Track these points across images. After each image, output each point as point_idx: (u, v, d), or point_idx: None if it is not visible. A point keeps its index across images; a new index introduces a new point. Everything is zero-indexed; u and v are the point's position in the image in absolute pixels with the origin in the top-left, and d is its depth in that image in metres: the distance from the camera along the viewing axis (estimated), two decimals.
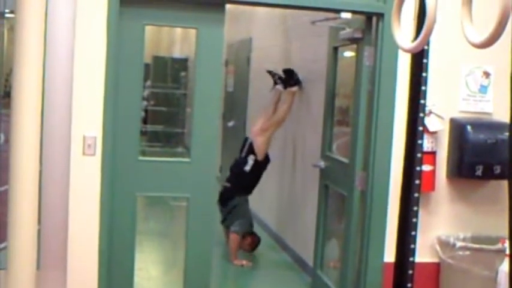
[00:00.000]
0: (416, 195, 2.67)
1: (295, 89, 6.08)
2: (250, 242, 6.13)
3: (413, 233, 2.67)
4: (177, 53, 13.33)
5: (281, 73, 6.21)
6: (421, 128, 2.57)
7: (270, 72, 6.35)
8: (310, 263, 5.32)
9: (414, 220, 2.68)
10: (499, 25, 1.62)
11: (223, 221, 6.14)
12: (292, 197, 6.49)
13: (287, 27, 6.77)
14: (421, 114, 2.55)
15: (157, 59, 13.09)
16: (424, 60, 2.31)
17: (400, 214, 2.51)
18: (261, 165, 6.12)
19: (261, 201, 7.13)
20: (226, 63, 9.09)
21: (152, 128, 11.85)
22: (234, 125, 8.49)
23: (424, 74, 2.37)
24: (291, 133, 6.46)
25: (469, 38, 1.77)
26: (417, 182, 2.66)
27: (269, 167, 6.28)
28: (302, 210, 6.05)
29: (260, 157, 6.05)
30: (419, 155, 2.63)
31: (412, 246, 2.68)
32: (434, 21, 1.96)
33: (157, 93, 12.43)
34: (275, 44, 7.15)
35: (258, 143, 6.05)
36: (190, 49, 10.87)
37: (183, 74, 12.61)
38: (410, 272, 2.55)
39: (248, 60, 8.14)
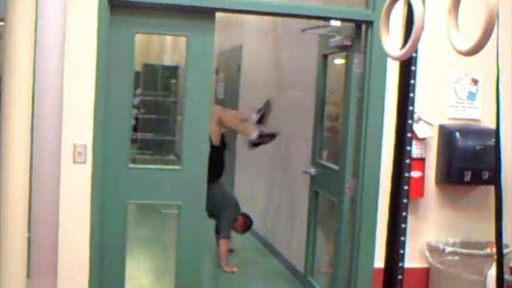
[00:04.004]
0: (405, 200, 2.69)
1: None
2: (242, 223, 6.11)
3: (402, 238, 2.69)
4: (167, 61, 13.34)
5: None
6: (409, 135, 2.59)
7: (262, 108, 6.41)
8: (301, 269, 5.33)
9: (403, 226, 2.70)
10: (484, 33, 1.64)
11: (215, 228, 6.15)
12: (282, 203, 6.51)
13: (277, 35, 6.80)
14: (410, 121, 2.57)
15: (147, 66, 13.08)
16: (413, 68, 2.33)
17: (389, 220, 2.53)
18: (218, 149, 6.07)
19: (251, 207, 7.13)
20: (217, 71, 9.10)
21: (142, 136, 11.84)
22: (224, 132, 8.49)
23: (412, 81, 2.39)
24: (281, 140, 6.47)
25: (456, 45, 1.80)
26: (406, 187, 2.68)
27: (259, 173, 6.28)
28: (292, 216, 6.06)
29: (215, 142, 5.98)
30: (407, 161, 2.65)
31: (402, 251, 2.69)
32: (421, 29, 1.98)
33: (148, 101, 12.41)
34: (265, 52, 7.18)
35: (212, 126, 6.01)
36: (181, 57, 10.92)
37: (173, 81, 12.62)
38: (399, 277, 2.56)
39: (238, 68, 8.16)
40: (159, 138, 12.00)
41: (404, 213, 2.72)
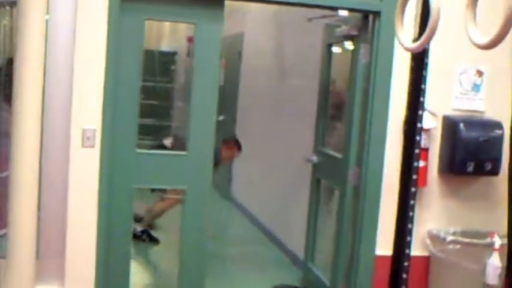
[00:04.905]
0: (413, 189, 2.75)
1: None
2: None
3: (409, 226, 2.74)
4: (165, 47, 13.31)
5: None
6: (420, 125, 2.64)
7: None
8: (301, 256, 5.39)
9: (411, 214, 2.75)
10: (504, 27, 1.68)
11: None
12: (283, 191, 6.56)
13: (280, 22, 6.82)
14: (420, 112, 2.62)
15: (145, 52, 13.02)
16: (425, 60, 2.38)
17: (399, 208, 2.58)
18: None
19: (250, 194, 7.19)
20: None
21: (141, 122, 11.81)
22: (223, 119, 8.53)
23: (424, 73, 2.44)
24: (282, 128, 6.52)
25: (473, 39, 1.84)
26: (414, 177, 2.73)
27: (259, 160, 6.30)
28: (293, 204, 6.12)
29: None
30: (417, 151, 2.71)
31: (408, 238, 2.75)
32: (438, 22, 2.02)
33: (146, 87, 12.38)
34: (267, 40, 7.21)
35: None
36: (179, 42, 10.92)
37: (171, 67, 12.60)
38: (406, 263, 2.62)
39: (240, 54, 8.18)
40: (156, 124, 12.01)
41: (412, 202, 2.77)
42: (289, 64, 6.31)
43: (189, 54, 10.32)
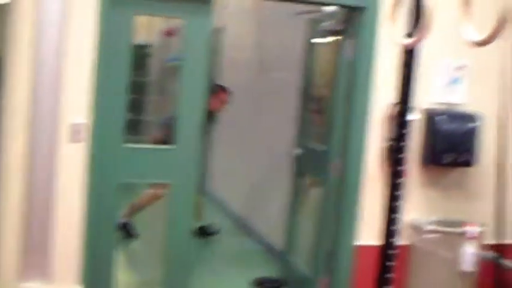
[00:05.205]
0: (400, 180, 2.87)
1: None
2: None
3: (397, 215, 2.87)
4: (139, 40, 13.25)
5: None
6: (408, 119, 2.76)
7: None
8: (279, 247, 5.49)
9: (398, 203, 2.88)
10: (497, 28, 1.80)
11: None
12: (262, 183, 6.64)
13: (261, 16, 6.89)
14: (409, 106, 2.75)
15: None
16: (416, 55, 2.50)
17: (390, 199, 2.72)
18: None
19: (227, 185, 7.24)
20: None
21: None
22: None
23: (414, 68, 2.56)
24: (261, 120, 6.59)
25: (468, 37, 1.95)
26: (401, 168, 2.86)
27: (237, 151, 6.31)
28: (272, 196, 6.21)
29: None
30: (403, 143, 2.83)
31: (395, 228, 2.88)
32: (432, 21, 2.13)
33: None
34: (249, 33, 7.25)
35: None
36: (153, 36, 10.89)
37: (146, 60, 12.56)
38: (393, 251, 2.74)
39: (221, 47, 8.21)
40: (132, 118, 11.97)
41: (399, 192, 2.89)
42: (270, 58, 6.40)
43: (166, 47, 10.34)
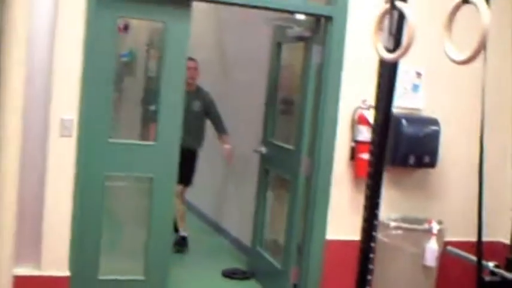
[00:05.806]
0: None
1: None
2: None
3: (376, 211, 3.10)
4: None
5: None
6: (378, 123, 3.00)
7: None
8: (248, 243, 5.71)
9: (378, 200, 3.11)
10: (478, 48, 2.04)
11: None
12: (229, 181, 6.83)
13: (220, 17, 7.06)
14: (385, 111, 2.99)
15: None
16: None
17: (371, 196, 2.96)
18: None
19: (195, 187, 7.35)
20: (148, 48, 8.96)
21: None
22: (155, 109, 8.49)
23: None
24: (229, 120, 6.73)
25: (451, 56, 2.19)
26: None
27: (204, 154, 6.44)
28: (239, 194, 6.41)
29: None
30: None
31: (375, 222, 3.09)
32: (415, 36, 2.37)
33: None
34: (207, 32, 7.41)
35: None
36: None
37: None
38: (372, 244, 2.97)
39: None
40: None
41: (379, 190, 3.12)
42: (235, 60, 6.55)
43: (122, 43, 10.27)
